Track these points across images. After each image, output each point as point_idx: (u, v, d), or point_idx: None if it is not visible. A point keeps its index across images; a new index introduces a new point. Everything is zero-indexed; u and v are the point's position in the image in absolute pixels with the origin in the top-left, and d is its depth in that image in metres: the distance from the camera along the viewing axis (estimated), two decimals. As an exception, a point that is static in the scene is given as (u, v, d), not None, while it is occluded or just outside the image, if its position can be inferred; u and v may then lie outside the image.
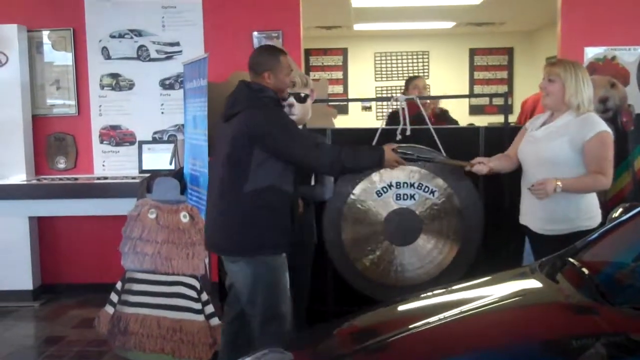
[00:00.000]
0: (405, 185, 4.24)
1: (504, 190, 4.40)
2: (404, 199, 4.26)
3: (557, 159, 3.56)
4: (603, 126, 3.54)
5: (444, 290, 2.93)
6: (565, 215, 3.54)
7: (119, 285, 4.46)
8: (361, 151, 3.66)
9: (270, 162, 3.47)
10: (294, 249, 3.67)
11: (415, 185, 4.24)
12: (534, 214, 3.69)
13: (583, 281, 2.58)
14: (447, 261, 4.28)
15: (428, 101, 5.54)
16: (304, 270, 4.04)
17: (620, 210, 3.15)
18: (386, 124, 4.40)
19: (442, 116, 5.64)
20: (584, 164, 3.52)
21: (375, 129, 4.35)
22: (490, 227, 4.26)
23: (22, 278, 5.92)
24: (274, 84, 3.61)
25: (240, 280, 3.60)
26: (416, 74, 5.87)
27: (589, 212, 3.57)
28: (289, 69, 3.71)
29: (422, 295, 2.89)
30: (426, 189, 4.23)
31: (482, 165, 3.87)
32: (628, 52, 5.42)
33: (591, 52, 5.50)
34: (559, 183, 3.43)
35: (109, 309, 4.53)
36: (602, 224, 3.42)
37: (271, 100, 3.59)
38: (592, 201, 3.62)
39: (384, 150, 3.60)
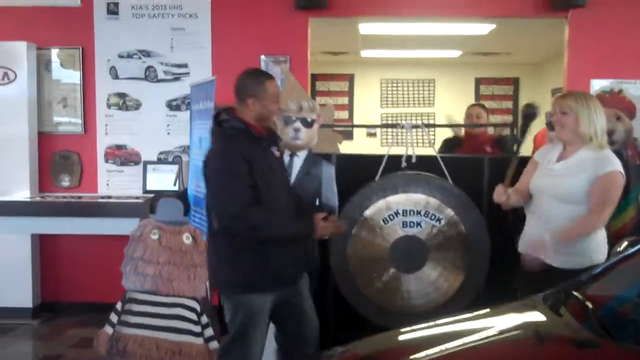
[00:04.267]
0: (412, 212, 4.24)
1: (510, 218, 4.38)
2: (410, 227, 4.26)
3: (576, 195, 3.50)
4: (619, 166, 3.50)
5: (446, 320, 2.91)
6: (583, 249, 3.47)
7: (119, 305, 4.45)
8: (291, 225, 3.40)
9: None
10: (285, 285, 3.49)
11: (422, 212, 4.24)
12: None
13: (586, 315, 2.57)
14: (453, 289, 4.28)
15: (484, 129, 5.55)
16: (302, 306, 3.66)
17: (625, 244, 3.14)
18: (439, 150, 4.41)
19: (501, 143, 5.54)
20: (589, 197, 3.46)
21: (381, 156, 4.35)
22: (496, 256, 4.24)
23: (22, 295, 5.91)
24: (259, 111, 3.41)
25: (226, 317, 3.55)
26: (473, 102, 5.88)
27: (602, 245, 3.52)
28: (276, 96, 3.48)
29: (425, 325, 2.87)
30: (433, 217, 4.23)
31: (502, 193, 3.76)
32: (634, 85, 5.43)
33: (597, 85, 5.51)
34: (547, 237, 3.41)
35: (108, 329, 4.50)
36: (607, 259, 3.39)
37: (234, 130, 3.39)
38: (597, 240, 3.53)
39: (313, 228, 3.38)
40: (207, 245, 3.64)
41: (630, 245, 3.08)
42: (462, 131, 5.78)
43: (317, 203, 4.23)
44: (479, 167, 4.49)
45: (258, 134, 3.43)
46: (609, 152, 3.55)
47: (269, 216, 3.30)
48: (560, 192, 3.54)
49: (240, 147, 3.33)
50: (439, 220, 4.24)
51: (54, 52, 6.13)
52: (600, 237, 3.52)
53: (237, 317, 3.42)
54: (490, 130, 5.70)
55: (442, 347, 2.40)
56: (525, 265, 3.60)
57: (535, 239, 3.52)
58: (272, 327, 3.95)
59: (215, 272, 3.53)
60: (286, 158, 4.35)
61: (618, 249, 3.19)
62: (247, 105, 3.41)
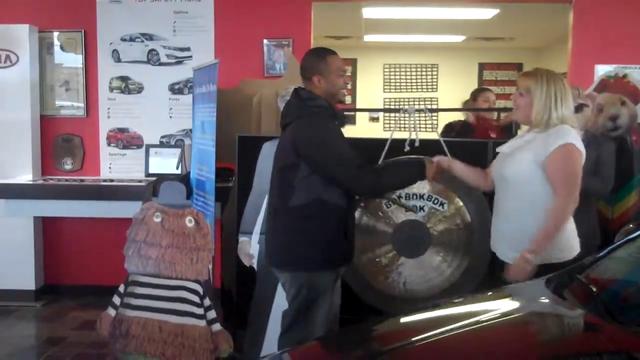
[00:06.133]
0: (415, 196, 4.21)
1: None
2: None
3: (518, 176, 3.25)
4: (571, 138, 3.16)
5: (449, 303, 2.91)
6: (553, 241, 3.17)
7: (121, 288, 4.44)
8: (402, 169, 3.56)
9: (316, 176, 3.38)
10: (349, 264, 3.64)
11: (425, 196, 4.20)
12: (502, 241, 3.39)
13: (590, 298, 2.57)
14: (455, 275, 4.25)
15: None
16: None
17: (630, 227, 3.13)
18: (441, 134, 4.41)
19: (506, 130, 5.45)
20: (548, 182, 3.18)
21: (384, 140, 4.33)
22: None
23: (24, 278, 5.93)
24: (326, 87, 3.46)
25: (286, 292, 3.60)
26: (479, 87, 5.89)
27: (560, 243, 3.19)
28: (341, 70, 3.52)
29: (427, 307, 2.87)
30: (436, 201, 4.20)
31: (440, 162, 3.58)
32: (639, 70, 5.40)
33: (602, 70, 5.48)
34: (527, 256, 3.10)
35: (111, 312, 4.51)
36: (583, 255, 3.18)
37: (322, 109, 3.43)
38: (565, 232, 3.21)
39: (424, 163, 3.47)
40: (276, 222, 3.58)
41: (634, 229, 3.07)
42: (470, 116, 5.75)
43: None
44: (483, 151, 4.46)
45: (337, 112, 3.54)
46: (562, 127, 3.20)
47: (384, 167, 3.54)
48: (506, 172, 3.33)
49: (331, 124, 3.47)
50: (442, 204, 4.21)
51: (56, 35, 6.12)
52: (564, 232, 3.21)
53: (300, 294, 3.47)
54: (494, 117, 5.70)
55: (444, 329, 2.39)
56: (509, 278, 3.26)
57: (514, 264, 3.18)
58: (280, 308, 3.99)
59: (283, 249, 3.54)
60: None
61: (625, 230, 3.17)
62: (312, 83, 3.46)
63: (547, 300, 2.71)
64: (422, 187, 4.19)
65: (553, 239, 3.14)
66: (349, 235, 3.53)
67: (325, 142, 3.38)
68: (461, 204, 4.21)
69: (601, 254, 2.89)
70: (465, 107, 5.95)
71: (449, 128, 5.64)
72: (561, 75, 3.29)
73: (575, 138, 3.19)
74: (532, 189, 3.22)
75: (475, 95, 5.77)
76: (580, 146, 3.20)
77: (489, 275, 3.97)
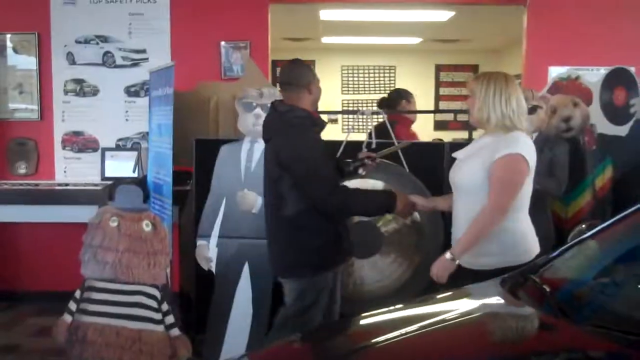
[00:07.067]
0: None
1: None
2: (364, 212, 4.27)
3: (469, 184, 3.23)
4: (518, 148, 3.11)
5: (404, 305, 2.92)
6: (488, 250, 3.16)
7: (77, 293, 4.38)
8: (373, 199, 3.63)
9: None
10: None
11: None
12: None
13: (544, 298, 2.60)
14: (406, 275, 4.30)
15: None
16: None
17: (583, 227, 3.18)
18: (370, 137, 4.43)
19: None
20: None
21: (340, 142, 4.36)
22: (450, 242, 4.26)
23: (-22, 285, 5.82)
24: (315, 94, 3.59)
25: (287, 296, 3.68)
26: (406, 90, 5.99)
27: (516, 247, 3.18)
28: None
29: (383, 310, 2.87)
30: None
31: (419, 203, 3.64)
32: (591, 72, 5.50)
33: (555, 72, 5.56)
34: (447, 256, 3.14)
35: (67, 318, 4.44)
36: (538, 255, 3.18)
37: (302, 120, 3.51)
38: (519, 236, 3.21)
39: (396, 198, 3.53)
40: (273, 231, 3.69)
41: (587, 229, 3.11)
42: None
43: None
44: (439, 154, 4.48)
45: (317, 119, 3.63)
46: (512, 135, 3.16)
47: (356, 191, 3.61)
48: (457, 178, 3.33)
49: (311, 134, 3.56)
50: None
51: (9, 37, 6.01)
52: (510, 238, 3.18)
53: (303, 297, 3.57)
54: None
55: (402, 331, 2.40)
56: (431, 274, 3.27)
57: (437, 262, 3.22)
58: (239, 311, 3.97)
59: (282, 258, 3.66)
60: (247, 144, 4.34)
61: (576, 231, 3.21)
62: (309, 91, 3.55)
63: (502, 301, 2.75)
64: (375, 189, 4.20)
65: (474, 245, 3.13)
66: (344, 235, 3.66)
67: (302, 157, 3.46)
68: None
69: (554, 253, 2.93)
70: (383, 107, 5.98)
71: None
72: (509, 77, 3.27)
73: (524, 148, 3.15)
74: (480, 197, 3.17)
75: (408, 97, 5.86)
76: (528, 156, 3.15)
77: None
